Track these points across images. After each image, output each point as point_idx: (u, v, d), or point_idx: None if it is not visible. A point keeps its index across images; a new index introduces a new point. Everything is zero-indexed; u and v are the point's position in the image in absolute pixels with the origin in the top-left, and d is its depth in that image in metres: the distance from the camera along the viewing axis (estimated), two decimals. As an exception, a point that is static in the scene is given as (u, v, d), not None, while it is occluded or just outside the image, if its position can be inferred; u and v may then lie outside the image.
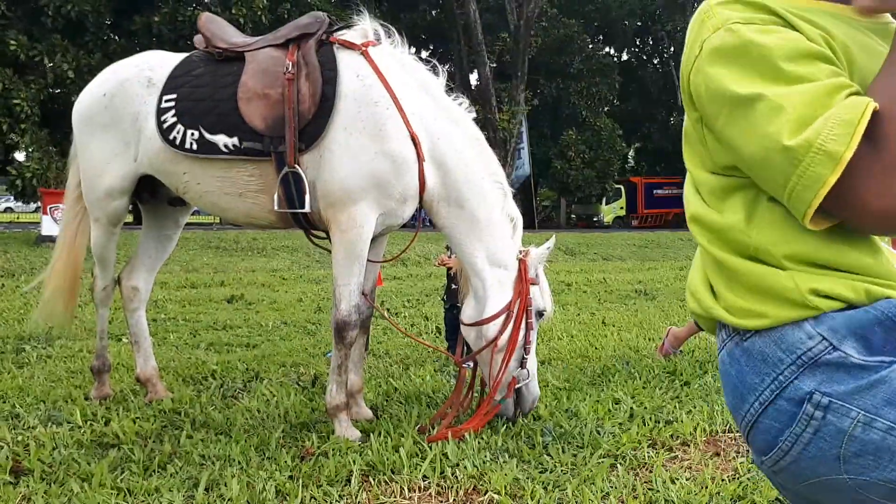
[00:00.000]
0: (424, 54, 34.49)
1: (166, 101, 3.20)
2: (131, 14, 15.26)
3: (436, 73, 3.38)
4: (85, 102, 3.48)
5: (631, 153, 36.30)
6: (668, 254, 18.07)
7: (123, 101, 3.32)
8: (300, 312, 6.97)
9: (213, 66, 3.28)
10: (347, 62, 3.13)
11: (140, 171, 3.35)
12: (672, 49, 34.12)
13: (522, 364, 3.25)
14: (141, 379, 3.73)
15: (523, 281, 3.25)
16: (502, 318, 3.21)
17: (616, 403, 3.83)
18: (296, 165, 3.04)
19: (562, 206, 33.41)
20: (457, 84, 27.92)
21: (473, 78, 29.32)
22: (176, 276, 10.11)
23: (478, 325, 3.25)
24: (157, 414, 3.44)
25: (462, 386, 3.45)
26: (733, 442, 3.34)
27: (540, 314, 3.34)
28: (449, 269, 4.78)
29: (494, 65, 27.79)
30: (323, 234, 3.36)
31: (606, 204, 29.45)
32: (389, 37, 3.31)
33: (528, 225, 20.50)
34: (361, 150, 3.01)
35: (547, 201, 37.01)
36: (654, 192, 31.23)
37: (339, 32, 3.28)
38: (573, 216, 32.19)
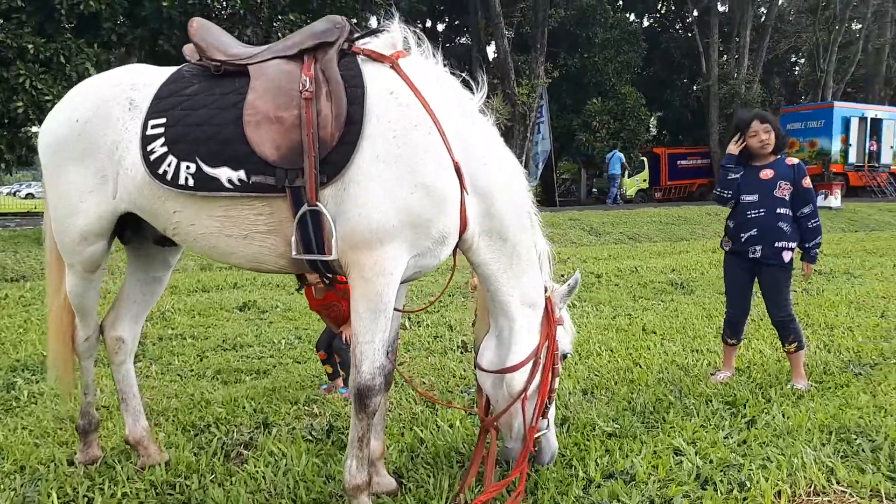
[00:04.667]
0: (441, 27, 33.62)
1: (153, 126, 2.63)
2: (142, 2, 14.73)
3: (468, 88, 2.82)
4: (52, 129, 2.90)
5: (653, 121, 35.22)
6: (697, 231, 17.35)
7: (100, 127, 2.76)
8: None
9: (209, 83, 2.69)
10: (376, 77, 2.58)
11: (120, 209, 2.82)
12: (696, 13, 32.83)
13: (544, 413, 2.94)
14: (130, 442, 3.27)
15: (551, 322, 2.89)
16: (530, 364, 2.84)
17: (677, 455, 3.32)
18: (317, 203, 2.50)
19: (582, 180, 32.54)
20: (473, 58, 27.25)
21: (491, 50, 28.45)
22: (189, 277, 9.68)
23: (501, 373, 2.87)
24: (147, 488, 2.98)
25: (482, 445, 3.03)
26: (822, 512, 2.83)
27: (564, 356, 3.03)
28: None
29: (512, 37, 26.86)
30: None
31: (629, 177, 28.54)
32: (420, 45, 2.75)
33: (549, 202, 19.90)
34: (396, 183, 2.47)
35: (566, 174, 36.10)
36: (679, 162, 30.24)
37: (362, 41, 2.71)
38: (594, 190, 31.31)
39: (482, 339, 3.00)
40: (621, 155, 25.81)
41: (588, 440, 3.49)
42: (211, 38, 2.78)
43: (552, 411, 3.02)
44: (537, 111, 23.97)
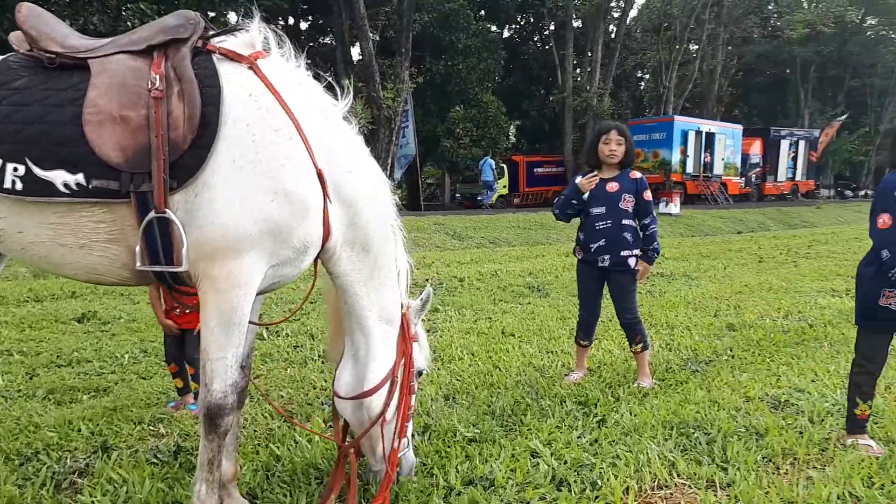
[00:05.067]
0: (304, 26, 32.92)
1: None
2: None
3: (333, 93, 2.73)
4: None
5: (512, 130, 36.50)
6: (552, 236, 18.18)
7: None
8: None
9: (42, 77, 2.39)
10: (234, 78, 2.42)
11: None
12: (552, 26, 34.42)
13: (403, 433, 2.93)
14: None
15: (407, 339, 2.87)
16: (387, 385, 2.81)
17: (534, 457, 3.41)
18: (166, 210, 2.31)
19: (446, 185, 33.10)
20: (338, 59, 26.90)
21: (356, 52, 28.22)
22: (19, 286, 8.78)
23: (360, 398, 2.80)
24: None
25: (343, 469, 2.94)
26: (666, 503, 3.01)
27: (420, 373, 3.02)
28: None
29: (377, 39, 26.81)
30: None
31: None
32: (281, 46, 2.62)
33: (415, 207, 20.20)
34: (255, 189, 2.32)
35: (431, 179, 36.57)
36: (536, 170, 31.59)
37: (218, 39, 2.53)
38: (458, 195, 31.96)
39: (337, 362, 2.92)
40: (493, 161, 26.72)
41: (449, 447, 3.50)
42: (44, 26, 2.49)
43: (410, 427, 2.99)
44: (402, 116, 24.07)
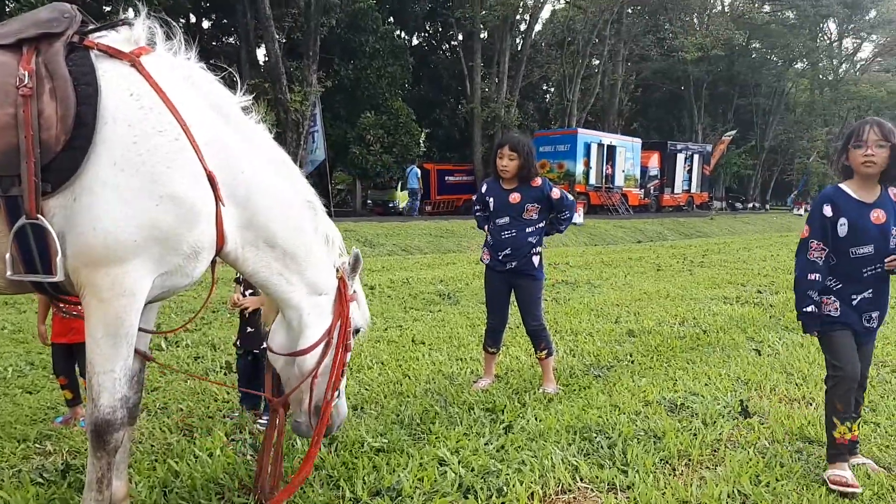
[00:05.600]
0: (206, 24, 31.89)
1: None
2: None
3: (229, 86, 2.63)
4: None
5: (422, 139, 36.71)
6: (463, 243, 18.36)
7: None
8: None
9: None
10: (113, 76, 2.29)
11: None
12: (461, 37, 34.87)
13: (336, 387, 2.89)
14: None
15: (343, 301, 2.84)
16: (322, 346, 2.78)
17: (441, 465, 3.42)
18: (38, 216, 2.16)
19: (357, 191, 32.84)
20: (242, 60, 26.21)
21: (261, 54, 27.59)
22: None
23: (293, 356, 2.78)
24: None
25: (274, 423, 2.97)
26: (569, 509, 3.08)
27: (357, 331, 2.99)
28: (244, 310, 4.05)
29: (285, 41, 26.31)
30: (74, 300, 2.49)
31: (402, 190, 29.40)
32: (169, 39, 2.50)
33: (325, 216, 19.76)
34: (138, 194, 2.21)
35: (342, 185, 36.17)
36: (447, 178, 31.85)
37: (97, 35, 2.39)
38: (369, 202, 31.78)
39: (272, 322, 2.89)
40: (418, 170, 26.85)
41: (356, 458, 3.46)
42: None
43: (343, 382, 2.96)
44: (311, 120, 23.71)
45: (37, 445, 3.61)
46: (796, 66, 46.94)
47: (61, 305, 3.63)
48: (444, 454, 3.52)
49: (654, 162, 34.16)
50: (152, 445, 3.60)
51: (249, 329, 4.06)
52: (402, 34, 33.54)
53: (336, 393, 2.88)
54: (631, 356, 5.82)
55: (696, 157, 36.19)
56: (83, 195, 2.19)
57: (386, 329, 6.92)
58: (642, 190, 33.44)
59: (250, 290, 3.97)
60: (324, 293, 2.80)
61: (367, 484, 3.18)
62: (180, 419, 4.02)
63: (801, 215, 37.69)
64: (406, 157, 28.18)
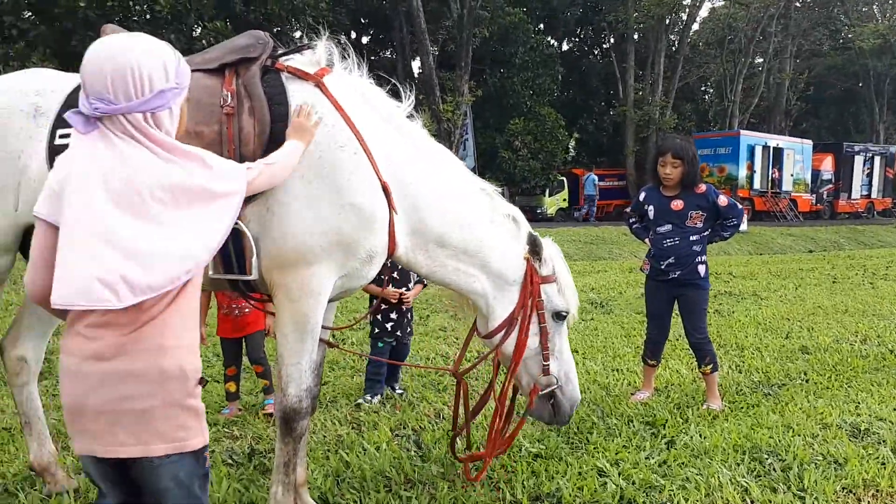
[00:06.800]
0: (365, 40, 33.53)
1: (62, 136, 2.47)
2: (55, -1, 13.86)
3: (397, 98, 2.80)
4: None
5: (571, 144, 36.23)
6: (615, 251, 17.90)
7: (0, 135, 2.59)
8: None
9: None
10: (301, 96, 2.51)
11: (22, 221, 2.63)
12: (612, 39, 34.10)
13: (546, 371, 2.95)
14: (35, 468, 3.05)
15: (531, 283, 2.87)
16: (504, 330, 2.88)
17: (601, 476, 3.38)
18: (238, 221, 2.42)
19: (506, 198, 33.02)
20: (399, 72, 27.28)
21: (416, 66, 28.57)
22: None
23: (487, 338, 2.97)
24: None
25: (460, 395, 3.26)
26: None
27: (558, 314, 2.96)
28: (395, 300, 4.47)
29: (437, 53, 27.07)
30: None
31: (550, 196, 29.20)
32: (344, 59, 2.71)
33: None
34: (323, 204, 2.43)
35: (490, 192, 36.46)
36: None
37: (286, 58, 2.64)
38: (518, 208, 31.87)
39: (469, 310, 3.06)
40: (595, 177, 26.69)
41: (515, 462, 3.50)
42: None
43: (563, 365, 3.00)
44: (462, 128, 24.22)
45: (225, 430, 3.98)
46: None
47: (233, 306, 4.31)
48: (603, 465, 3.48)
49: (827, 165, 31.48)
50: (324, 436, 3.85)
51: (393, 316, 4.60)
52: (552, 41, 33.35)
53: (544, 377, 2.95)
54: (805, 374, 5.41)
55: (877, 159, 32.89)
56: (275, 205, 2.41)
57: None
58: (814, 195, 30.92)
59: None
60: (509, 279, 2.86)
61: (526, 488, 3.21)
62: (348, 414, 4.27)
63: None
64: (551, 163, 27.98)
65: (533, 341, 2.88)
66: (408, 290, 4.55)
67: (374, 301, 4.57)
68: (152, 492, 1.71)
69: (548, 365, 2.94)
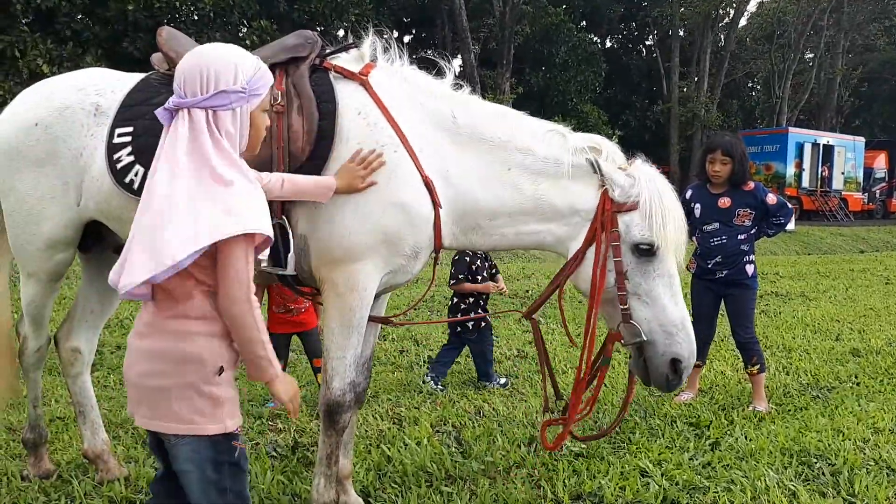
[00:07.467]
0: (407, 39, 33.70)
1: (120, 135, 2.56)
2: (106, 1, 14.23)
3: (439, 74, 2.77)
4: (8, 132, 2.79)
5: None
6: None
7: (63, 132, 2.67)
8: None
9: None
10: (346, 95, 2.55)
11: (85, 216, 2.74)
12: (656, 36, 33.59)
13: (626, 317, 2.49)
14: (89, 456, 3.15)
15: (603, 213, 2.51)
16: (573, 266, 2.57)
17: (643, 476, 3.34)
18: (283, 217, 2.46)
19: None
20: (441, 69, 27.35)
21: (457, 64, 28.59)
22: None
23: (560, 277, 2.65)
24: (105, 506, 2.87)
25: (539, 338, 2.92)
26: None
27: (647, 248, 2.47)
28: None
29: (479, 51, 27.04)
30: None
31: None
32: (386, 51, 2.73)
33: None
34: (368, 203, 2.45)
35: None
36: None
37: (333, 56, 2.68)
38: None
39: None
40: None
41: (556, 460, 3.49)
42: (181, 48, 2.70)
43: (655, 312, 2.49)
44: (503, 126, 24.13)
45: (269, 423, 4.05)
46: None
47: (290, 305, 4.44)
48: (645, 465, 3.44)
49: (880, 163, 30.47)
50: (366, 431, 3.89)
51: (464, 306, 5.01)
52: (595, 38, 33.03)
53: (625, 325, 2.50)
54: (856, 377, 5.26)
55: (933, 156, 31.73)
56: (322, 205, 2.45)
57: (577, 335, 6.85)
58: (866, 194, 29.97)
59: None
60: (578, 216, 2.58)
61: (567, 486, 3.20)
62: (389, 409, 4.31)
63: None
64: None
65: (609, 278, 2.50)
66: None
67: (459, 309, 5.00)
68: (176, 470, 1.85)
69: (627, 310, 2.50)
